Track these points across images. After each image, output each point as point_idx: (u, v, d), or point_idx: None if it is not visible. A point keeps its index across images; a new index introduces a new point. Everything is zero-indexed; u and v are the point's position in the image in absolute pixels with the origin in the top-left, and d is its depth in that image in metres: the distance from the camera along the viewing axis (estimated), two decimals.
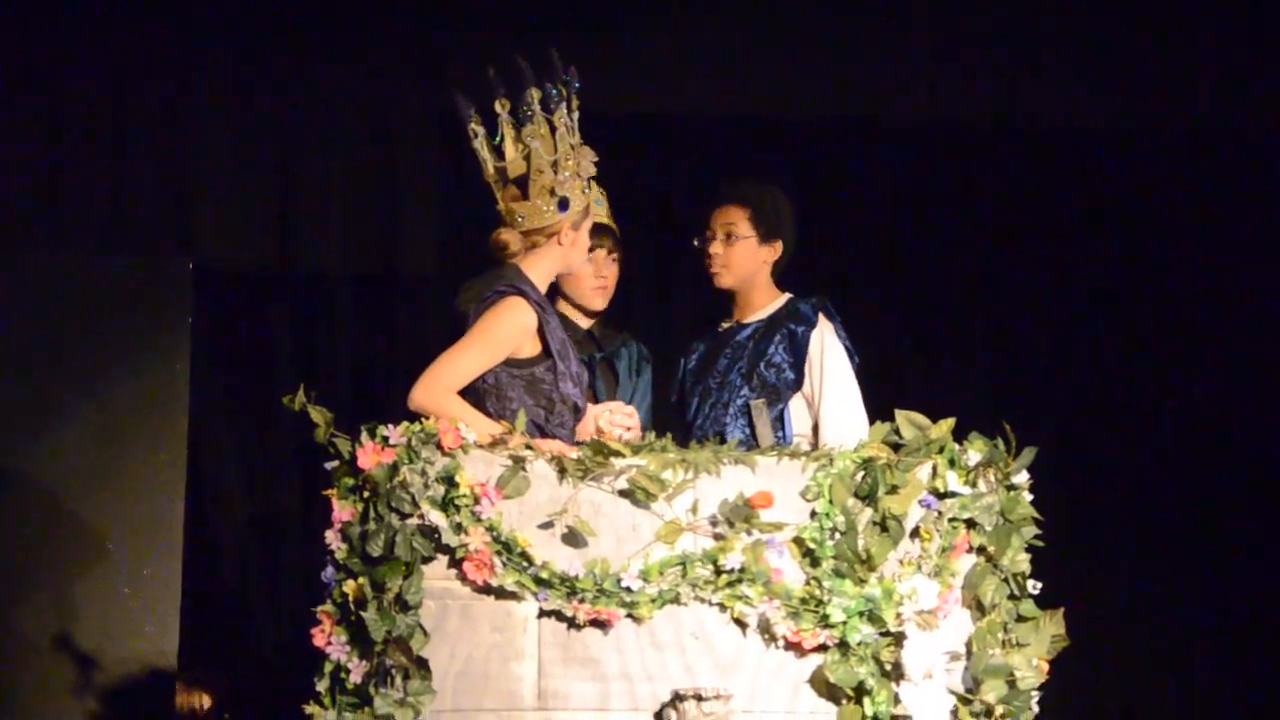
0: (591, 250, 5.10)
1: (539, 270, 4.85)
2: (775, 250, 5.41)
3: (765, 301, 5.42)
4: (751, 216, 5.38)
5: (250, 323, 6.76)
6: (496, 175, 4.83)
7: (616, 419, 4.82)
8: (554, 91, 4.79)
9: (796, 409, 5.31)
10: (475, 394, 4.70)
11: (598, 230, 5.28)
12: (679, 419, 5.42)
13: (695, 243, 5.44)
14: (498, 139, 4.80)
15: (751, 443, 5.21)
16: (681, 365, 5.51)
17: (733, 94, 6.85)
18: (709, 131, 6.93)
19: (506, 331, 4.72)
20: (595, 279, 5.52)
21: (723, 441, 4.72)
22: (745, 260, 5.38)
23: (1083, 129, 7.01)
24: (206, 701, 6.20)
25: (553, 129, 4.79)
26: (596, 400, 5.32)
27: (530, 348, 4.75)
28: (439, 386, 4.63)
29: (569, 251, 4.86)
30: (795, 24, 6.87)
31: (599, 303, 5.57)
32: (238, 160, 6.67)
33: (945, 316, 7.06)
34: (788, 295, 5.43)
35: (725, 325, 5.46)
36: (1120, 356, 7.08)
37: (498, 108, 4.78)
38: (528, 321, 4.74)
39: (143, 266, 6.22)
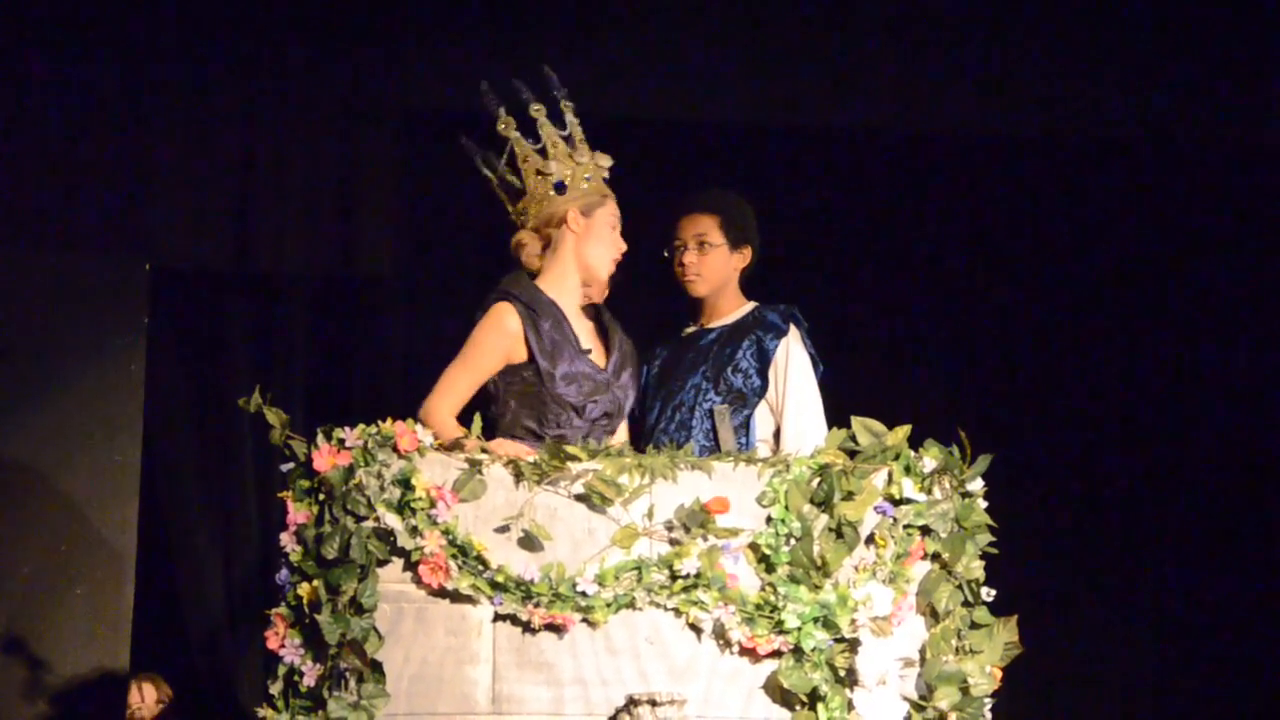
0: None
1: (559, 270, 4.86)
2: (744, 256, 5.44)
3: (731, 308, 5.43)
4: (722, 224, 5.40)
5: (207, 324, 6.73)
6: (501, 190, 4.88)
7: None
8: (527, 94, 4.84)
9: (759, 415, 5.33)
10: (482, 398, 4.74)
11: None
12: (639, 424, 5.43)
13: (665, 253, 5.45)
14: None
15: (714, 447, 5.22)
16: (645, 372, 5.51)
17: (696, 101, 6.85)
18: (669, 138, 6.94)
19: (491, 341, 4.75)
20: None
21: (680, 446, 4.73)
22: (718, 268, 5.40)
23: (1035, 138, 7.03)
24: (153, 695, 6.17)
25: (533, 122, 4.83)
26: None
27: (521, 352, 4.77)
28: (444, 410, 4.67)
29: (584, 241, 4.86)
30: (753, 31, 6.87)
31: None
32: (195, 161, 6.64)
33: (900, 323, 7.08)
34: (753, 303, 5.45)
35: (689, 330, 5.48)
36: (1077, 364, 7.11)
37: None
38: (511, 327, 4.75)
39: (99, 267, 6.20)
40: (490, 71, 4.90)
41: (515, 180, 4.89)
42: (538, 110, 4.86)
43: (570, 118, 4.89)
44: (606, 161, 4.93)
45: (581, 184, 4.86)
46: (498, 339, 4.75)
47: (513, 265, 4.94)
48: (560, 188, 4.84)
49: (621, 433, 4.97)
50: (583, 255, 4.88)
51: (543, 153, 4.87)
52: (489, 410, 4.74)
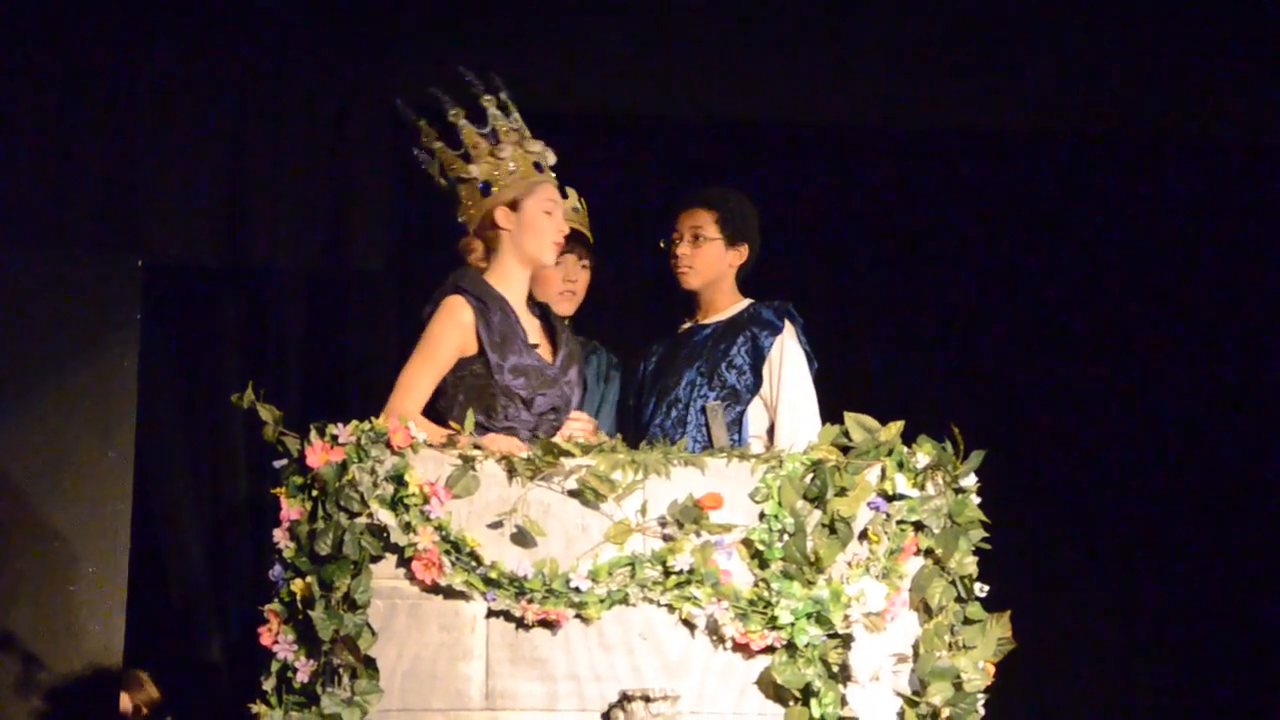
0: (561, 254, 5.07)
1: (502, 268, 4.85)
2: (741, 254, 5.45)
3: (727, 304, 5.45)
4: (719, 219, 5.42)
5: (199, 320, 6.73)
6: (447, 195, 4.89)
7: (574, 428, 4.82)
8: (446, 100, 4.82)
9: (753, 411, 5.34)
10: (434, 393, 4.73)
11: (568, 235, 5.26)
12: (634, 420, 5.43)
13: (660, 244, 5.46)
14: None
15: (707, 444, 5.22)
16: (640, 369, 5.52)
17: (695, 97, 6.86)
18: (672, 135, 6.94)
19: (446, 334, 4.74)
20: (562, 283, 5.52)
21: (676, 442, 4.73)
22: (712, 262, 5.42)
23: (1034, 137, 7.04)
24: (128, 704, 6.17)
25: (455, 129, 4.82)
26: None
27: (472, 344, 4.76)
28: (408, 408, 4.66)
29: (519, 236, 4.82)
30: (752, 29, 6.87)
31: (565, 308, 5.55)
32: (187, 157, 6.63)
33: (894, 319, 7.09)
34: (749, 299, 5.46)
35: (685, 326, 5.49)
36: (1072, 360, 7.12)
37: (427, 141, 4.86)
38: (464, 319, 4.75)
39: (91, 263, 6.19)
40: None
41: (447, 186, 4.88)
42: (455, 115, 4.82)
43: (493, 111, 4.83)
44: (536, 146, 4.86)
45: (505, 179, 4.83)
46: (452, 331, 4.74)
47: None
48: (485, 189, 4.82)
49: (565, 429, 4.92)
50: (520, 249, 4.84)
51: (466, 157, 4.84)
52: (436, 404, 4.72)
